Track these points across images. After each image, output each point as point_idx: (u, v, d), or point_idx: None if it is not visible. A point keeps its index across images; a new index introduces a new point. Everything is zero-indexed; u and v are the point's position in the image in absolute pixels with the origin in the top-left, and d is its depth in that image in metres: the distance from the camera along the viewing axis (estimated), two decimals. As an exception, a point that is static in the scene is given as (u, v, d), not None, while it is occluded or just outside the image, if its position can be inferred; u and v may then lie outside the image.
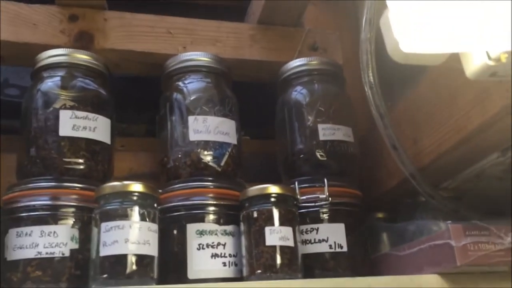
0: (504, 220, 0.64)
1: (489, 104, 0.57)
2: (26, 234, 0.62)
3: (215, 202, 0.70)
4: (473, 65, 0.47)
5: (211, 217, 0.69)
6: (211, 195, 0.70)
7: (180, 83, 0.79)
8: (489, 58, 0.46)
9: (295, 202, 0.70)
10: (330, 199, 0.72)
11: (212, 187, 0.71)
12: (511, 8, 0.42)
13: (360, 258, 0.73)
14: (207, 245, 0.67)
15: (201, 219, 0.68)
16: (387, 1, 0.44)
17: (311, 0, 0.97)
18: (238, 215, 0.68)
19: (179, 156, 0.73)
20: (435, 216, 0.75)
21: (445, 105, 0.66)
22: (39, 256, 0.61)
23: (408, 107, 0.76)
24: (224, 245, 0.67)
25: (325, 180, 0.73)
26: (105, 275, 0.57)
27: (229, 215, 0.69)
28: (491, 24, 0.43)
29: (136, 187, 0.62)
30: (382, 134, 0.69)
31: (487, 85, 0.57)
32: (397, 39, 0.43)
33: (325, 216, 0.73)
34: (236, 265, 0.67)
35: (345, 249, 0.71)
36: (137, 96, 1.04)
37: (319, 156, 0.77)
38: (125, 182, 0.62)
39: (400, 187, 0.78)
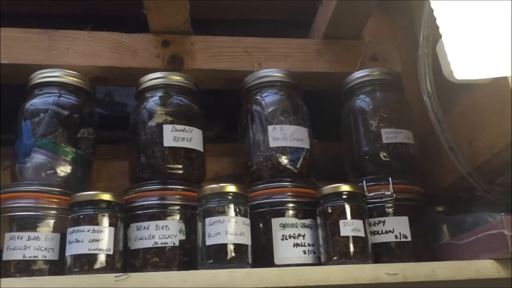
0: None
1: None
2: (144, 227, 0.76)
3: (294, 200, 0.81)
4: (517, 82, 0.56)
5: (291, 212, 0.80)
6: (290, 193, 0.81)
7: (258, 97, 0.91)
8: (531, 77, 0.55)
9: (363, 198, 0.80)
10: (394, 195, 0.82)
11: (290, 186, 0.82)
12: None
13: (423, 247, 0.83)
14: (289, 236, 0.78)
15: (283, 214, 0.80)
16: (442, 34, 0.54)
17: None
18: (314, 210, 0.79)
19: (261, 160, 0.85)
20: (491, 209, 0.83)
21: (496, 112, 0.74)
22: (155, 245, 0.75)
23: (464, 112, 0.85)
24: (303, 236, 0.78)
25: (390, 179, 0.83)
26: (210, 261, 0.70)
27: (306, 210, 0.81)
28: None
29: (231, 188, 0.75)
30: (440, 137, 0.78)
31: (532, 96, 0.65)
32: (452, 69, 0.52)
33: (391, 210, 0.83)
34: (314, 253, 0.78)
35: (409, 238, 0.81)
36: (209, 105, 1.16)
37: (383, 157, 0.87)
38: (221, 185, 0.75)
39: (457, 183, 0.87)
